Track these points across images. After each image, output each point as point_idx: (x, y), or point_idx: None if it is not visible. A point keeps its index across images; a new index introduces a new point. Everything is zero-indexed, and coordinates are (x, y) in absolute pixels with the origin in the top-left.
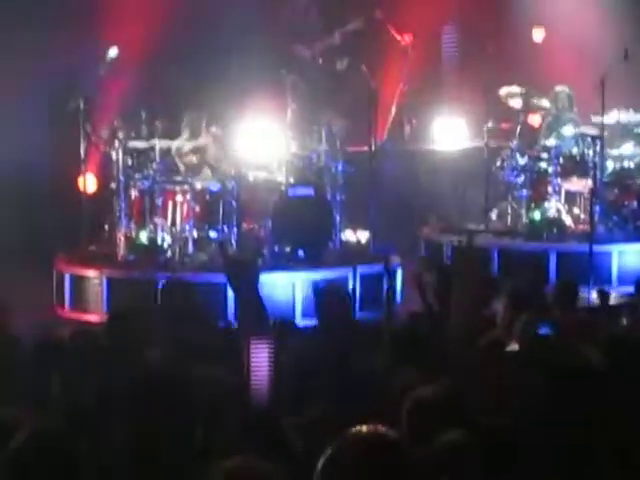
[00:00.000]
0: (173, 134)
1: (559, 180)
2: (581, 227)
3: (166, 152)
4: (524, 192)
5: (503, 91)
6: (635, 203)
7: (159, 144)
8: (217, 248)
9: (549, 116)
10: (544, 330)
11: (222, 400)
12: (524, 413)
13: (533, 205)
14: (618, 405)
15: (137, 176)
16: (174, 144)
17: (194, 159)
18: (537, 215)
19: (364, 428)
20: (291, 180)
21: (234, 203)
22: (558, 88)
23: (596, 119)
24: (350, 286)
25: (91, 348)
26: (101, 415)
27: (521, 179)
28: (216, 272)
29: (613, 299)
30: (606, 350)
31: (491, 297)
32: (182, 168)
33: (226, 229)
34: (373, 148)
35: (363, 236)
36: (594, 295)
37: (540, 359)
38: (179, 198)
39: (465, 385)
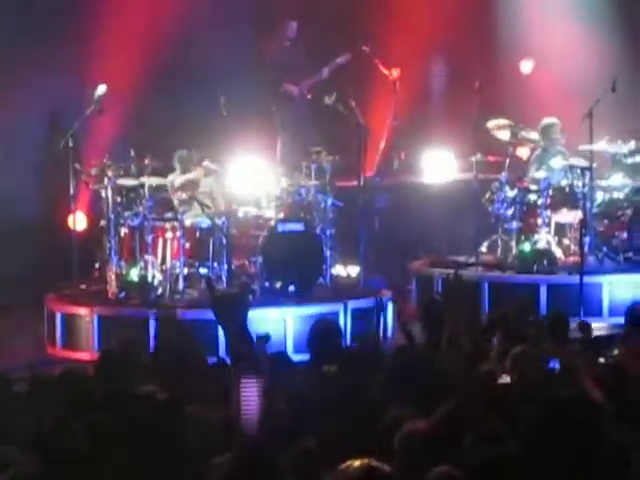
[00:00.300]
0: (162, 171)
1: (549, 212)
2: (571, 258)
3: (155, 189)
4: (514, 224)
5: (491, 123)
6: (625, 234)
7: (148, 181)
8: (204, 284)
9: (538, 148)
10: (553, 364)
11: (213, 439)
12: (521, 445)
13: (523, 237)
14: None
15: (127, 214)
16: (168, 180)
17: (183, 195)
18: (527, 247)
19: (357, 462)
20: (281, 215)
21: (224, 239)
22: (546, 120)
23: (584, 150)
24: (341, 321)
25: (80, 387)
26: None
27: (511, 211)
28: (206, 308)
29: (604, 330)
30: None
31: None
32: (176, 203)
33: (216, 265)
34: (362, 182)
35: (353, 271)
36: (575, 327)
37: (535, 393)
38: (169, 235)
39: (460, 417)
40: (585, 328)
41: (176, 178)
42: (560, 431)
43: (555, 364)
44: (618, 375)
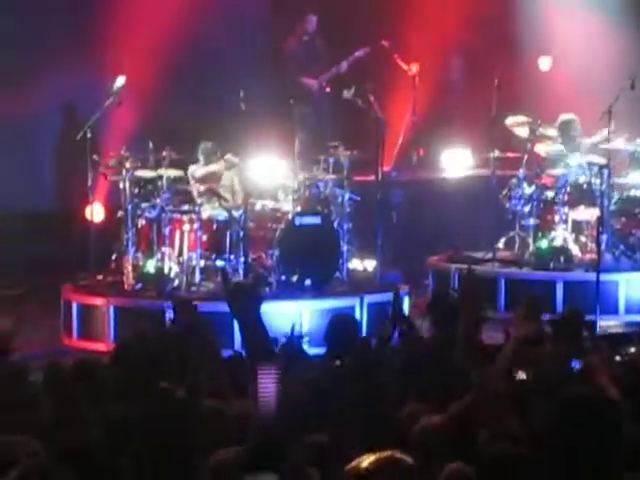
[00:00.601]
0: (180, 163)
1: (566, 209)
2: (588, 256)
3: (173, 181)
4: (531, 221)
5: (510, 120)
6: None
7: (166, 173)
8: (219, 276)
9: (556, 145)
10: (575, 364)
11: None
12: (536, 443)
13: (540, 234)
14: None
15: (144, 205)
16: (189, 170)
17: (201, 187)
18: (544, 244)
19: (382, 454)
20: (298, 209)
21: (241, 232)
22: (564, 116)
23: (603, 147)
24: (357, 315)
25: (94, 378)
26: (110, 449)
27: (528, 208)
28: (223, 301)
29: (620, 327)
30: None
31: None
32: (194, 195)
33: (233, 258)
34: (380, 177)
35: (370, 265)
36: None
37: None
38: (186, 227)
39: (475, 413)
40: (589, 327)
41: (198, 169)
42: (577, 428)
43: (575, 363)
44: (634, 373)
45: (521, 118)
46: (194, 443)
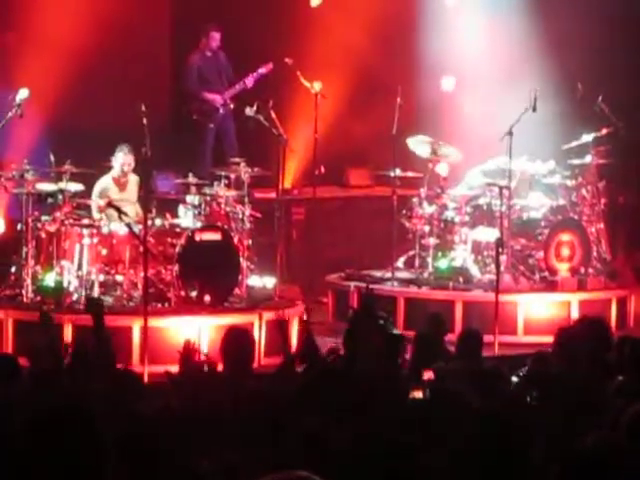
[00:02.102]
0: (81, 177)
1: (466, 229)
2: (487, 277)
3: (74, 195)
4: (431, 240)
5: (411, 140)
6: (542, 253)
7: (67, 187)
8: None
9: (457, 164)
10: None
11: None
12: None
13: (440, 254)
14: None
15: (44, 218)
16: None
17: (101, 202)
18: (444, 264)
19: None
20: (198, 225)
21: (140, 247)
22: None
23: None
24: (256, 332)
25: None
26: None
27: (428, 227)
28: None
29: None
30: None
31: (397, 352)
32: (94, 210)
33: (132, 272)
34: (280, 194)
35: (270, 282)
36: None
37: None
38: (86, 241)
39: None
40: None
41: (98, 185)
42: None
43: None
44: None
45: (422, 137)
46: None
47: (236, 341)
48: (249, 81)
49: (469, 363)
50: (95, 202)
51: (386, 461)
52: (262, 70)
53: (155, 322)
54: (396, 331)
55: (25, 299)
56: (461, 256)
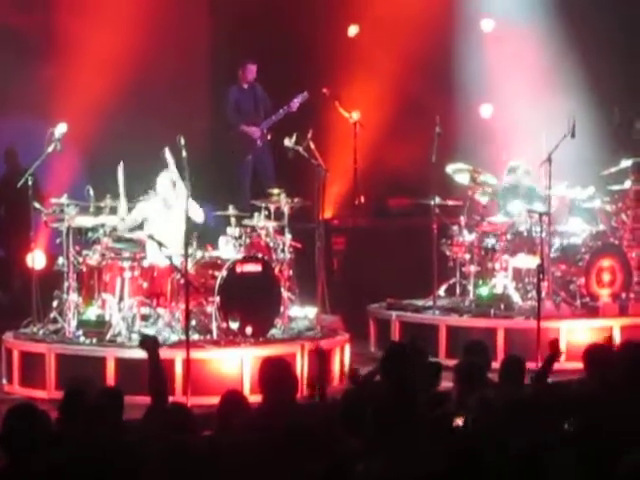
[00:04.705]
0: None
1: (507, 256)
2: (529, 303)
3: (114, 229)
4: (472, 268)
5: (450, 168)
6: (582, 279)
7: (107, 221)
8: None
9: (497, 192)
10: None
11: None
12: None
13: (481, 281)
14: None
15: (85, 252)
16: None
17: (140, 235)
18: (484, 291)
19: None
20: (239, 256)
21: (182, 279)
22: (513, 163)
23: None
24: (298, 362)
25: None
26: None
27: (469, 255)
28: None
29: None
30: None
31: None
32: (135, 242)
33: (174, 305)
34: (321, 224)
35: (311, 312)
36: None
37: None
38: (127, 274)
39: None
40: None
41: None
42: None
43: None
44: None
45: (461, 165)
46: None
47: (273, 372)
48: (285, 111)
49: (512, 390)
50: (136, 234)
51: None
52: (298, 99)
53: (197, 354)
54: (433, 359)
55: (67, 333)
56: (502, 283)
